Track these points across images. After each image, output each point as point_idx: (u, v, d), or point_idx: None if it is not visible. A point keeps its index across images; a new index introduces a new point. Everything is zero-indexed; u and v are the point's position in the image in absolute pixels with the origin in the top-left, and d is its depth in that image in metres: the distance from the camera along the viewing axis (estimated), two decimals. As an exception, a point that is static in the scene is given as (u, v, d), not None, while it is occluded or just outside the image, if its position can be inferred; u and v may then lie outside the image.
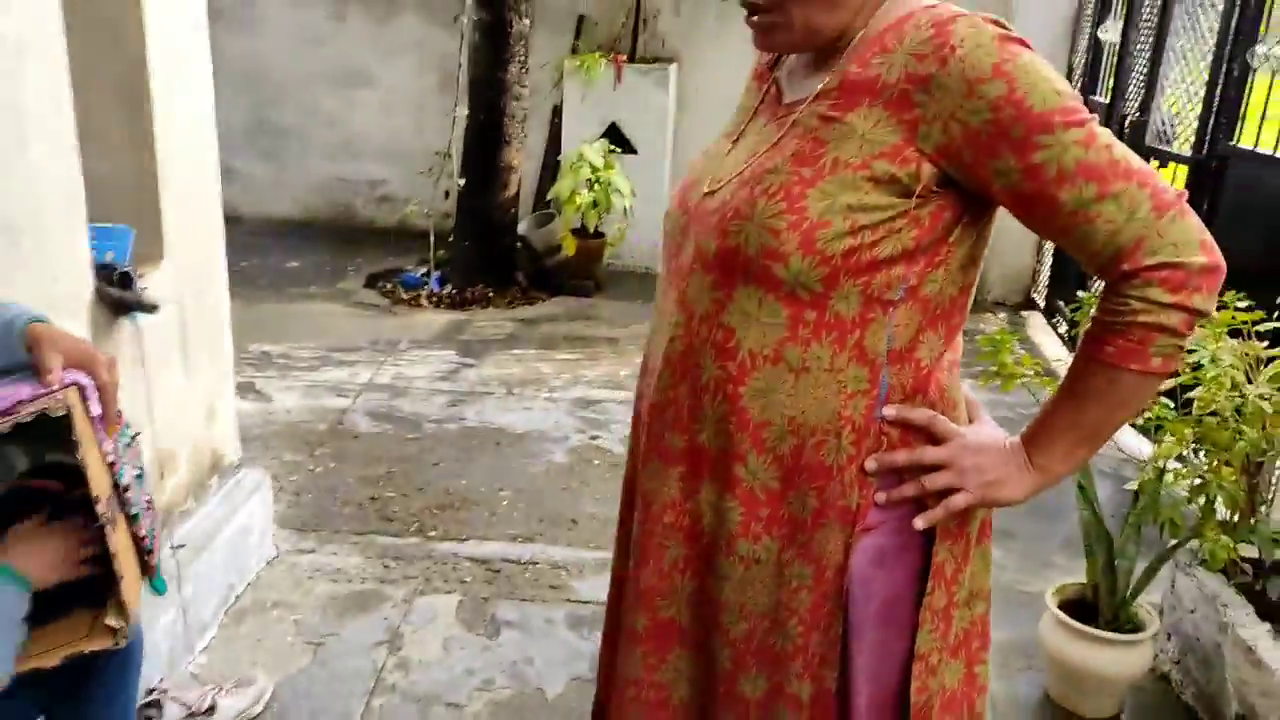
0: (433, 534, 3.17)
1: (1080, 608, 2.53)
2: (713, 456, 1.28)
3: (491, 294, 5.72)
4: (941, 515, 1.24)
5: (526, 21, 5.65)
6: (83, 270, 2.01)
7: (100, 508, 1.44)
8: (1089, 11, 5.63)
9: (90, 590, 1.54)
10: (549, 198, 6.02)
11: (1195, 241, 1.10)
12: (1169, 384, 2.43)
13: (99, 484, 1.44)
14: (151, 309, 2.13)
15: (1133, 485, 2.52)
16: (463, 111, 5.70)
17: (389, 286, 5.79)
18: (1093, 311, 1.18)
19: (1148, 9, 4.65)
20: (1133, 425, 3.95)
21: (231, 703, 2.23)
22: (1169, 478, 2.42)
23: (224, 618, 2.61)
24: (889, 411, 1.22)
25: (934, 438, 1.24)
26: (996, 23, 1.12)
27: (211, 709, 2.17)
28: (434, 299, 5.62)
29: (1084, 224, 1.11)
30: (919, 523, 1.24)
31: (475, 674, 2.50)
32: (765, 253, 1.18)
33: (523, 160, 5.95)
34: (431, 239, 5.82)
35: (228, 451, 2.74)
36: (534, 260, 5.95)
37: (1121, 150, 1.11)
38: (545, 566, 3.02)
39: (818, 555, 1.26)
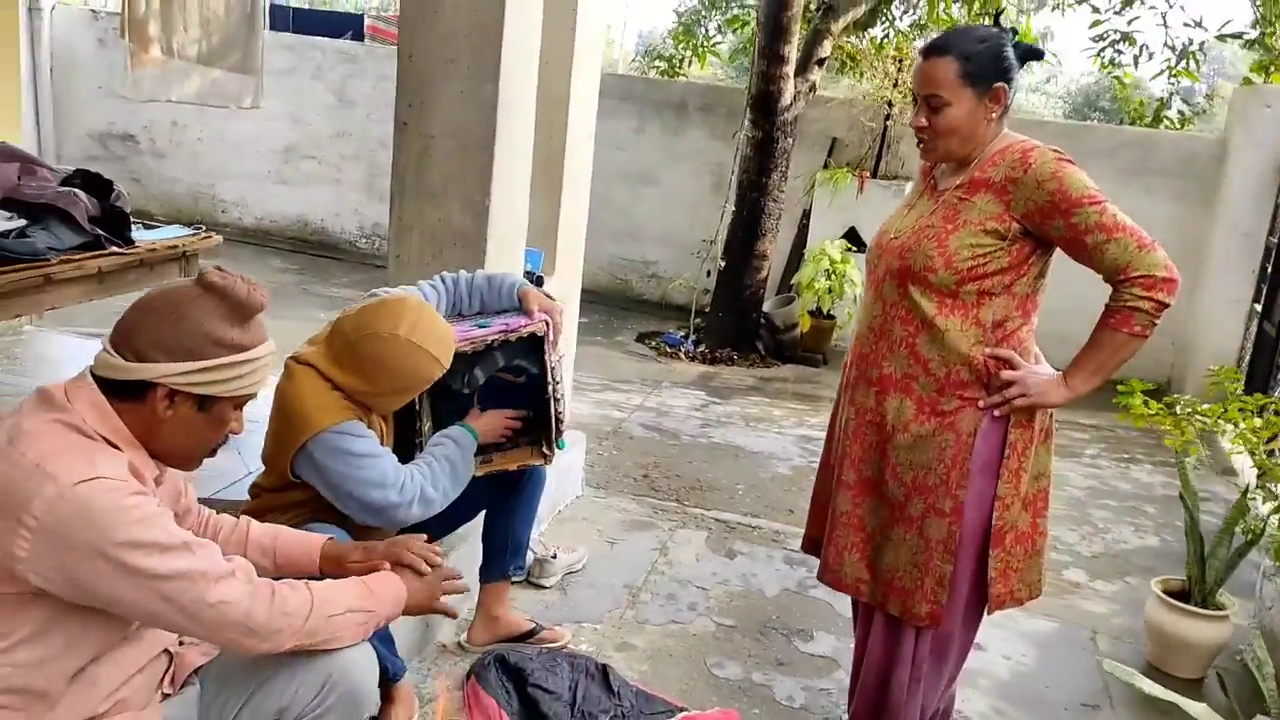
0: (687, 502, 4.32)
1: (1178, 596, 3.35)
2: (897, 380, 2.34)
3: (736, 357, 6.92)
4: (1008, 405, 2.24)
5: (790, 140, 6.95)
6: (519, 270, 3.33)
7: (551, 388, 2.68)
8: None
9: (531, 437, 2.79)
10: (792, 283, 7.21)
11: (1161, 265, 2.12)
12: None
13: (550, 376, 2.69)
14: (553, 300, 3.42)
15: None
16: (730, 208, 7.02)
17: (654, 342, 7.11)
18: (1106, 302, 2.20)
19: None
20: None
21: (565, 557, 3.43)
22: (1256, 501, 3.24)
23: (552, 520, 3.84)
24: (988, 350, 2.26)
25: (1013, 367, 2.27)
26: (1056, 151, 2.19)
27: (554, 556, 3.38)
28: (689, 355, 6.88)
29: (1100, 254, 2.15)
30: (992, 401, 2.25)
31: (717, 574, 3.60)
32: (925, 268, 2.26)
33: (773, 251, 7.19)
34: (692, 308, 7.14)
35: (564, 414, 4.00)
36: (773, 333, 7.12)
37: (1122, 217, 2.14)
38: (768, 531, 4.09)
39: (958, 430, 2.28)
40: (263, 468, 2.52)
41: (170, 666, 1.76)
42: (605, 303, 8.13)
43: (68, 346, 4.91)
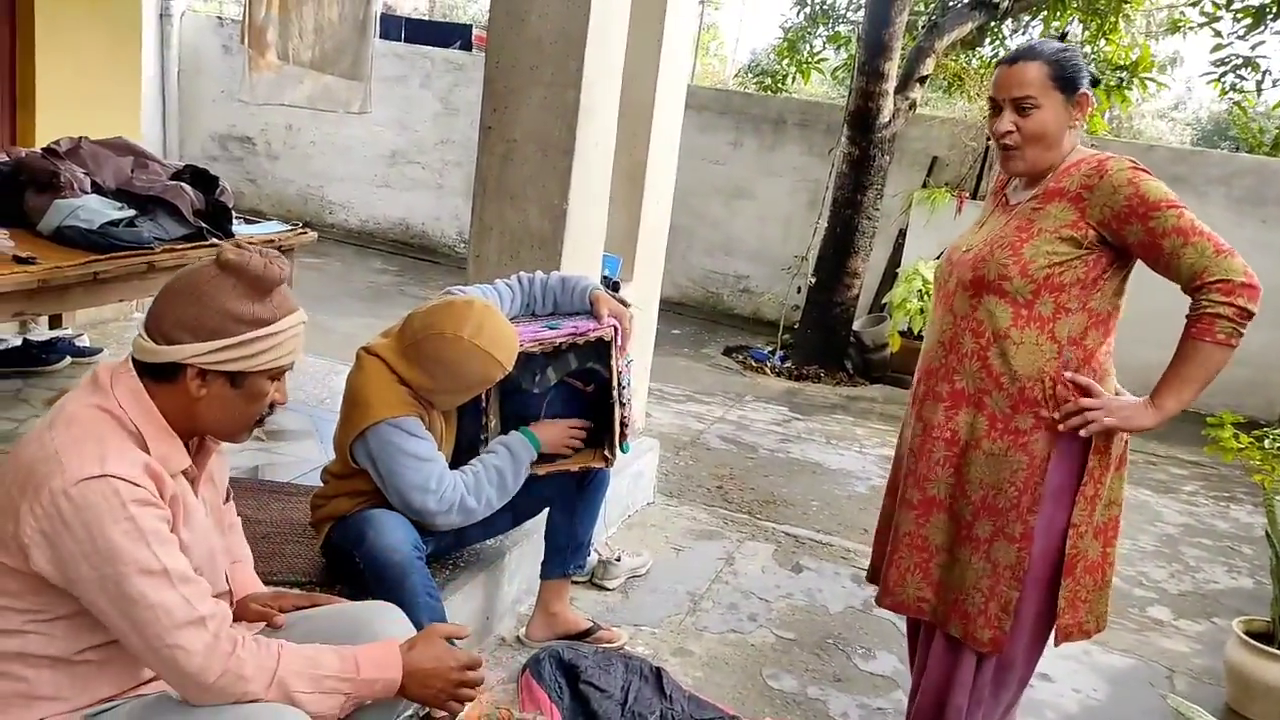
0: (759, 516, 4.31)
1: (1261, 638, 3.20)
2: (969, 395, 2.30)
3: (823, 374, 6.87)
4: (1095, 424, 2.18)
5: (887, 158, 6.88)
6: (596, 275, 3.39)
7: (615, 394, 2.72)
8: None
9: (594, 441, 2.82)
10: (884, 302, 7.13)
11: (1240, 270, 2.05)
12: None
13: (616, 381, 2.72)
14: (626, 306, 3.47)
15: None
16: (823, 225, 6.98)
17: (741, 357, 7.11)
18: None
19: None
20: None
21: (629, 560, 3.46)
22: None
23: (620, 525, 3.88)
24: (1068, 374, 2.21)
25: (1091, 393, 2.21)
26: (1132, 161, 2.14)
27: (618, 559, 3.41)
28: (775, 371, 6.86)
29: (1177, 260, 2.08)
30: (1071, 423, 2.19)
31: (781, 588, 3.59)
32: (1000, 276, 2.22)
33: (865, 270, 7.12)
34: (780, 324, 7.12)
35: (638, 420, 4.05)
36: (862, 352, 7.04)
37: (1200, 223, 2.07)
38: (838, 548, 4.05)
39: (1031, 453, 2.22)
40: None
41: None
42: (696, 316, 8.16)
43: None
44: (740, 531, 4.05)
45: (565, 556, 2.94)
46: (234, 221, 3.71)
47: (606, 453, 2.82)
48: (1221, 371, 2.13)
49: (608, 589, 3.38)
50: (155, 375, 1.60)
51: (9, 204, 3.39)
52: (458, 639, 1.88)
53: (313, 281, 7.57)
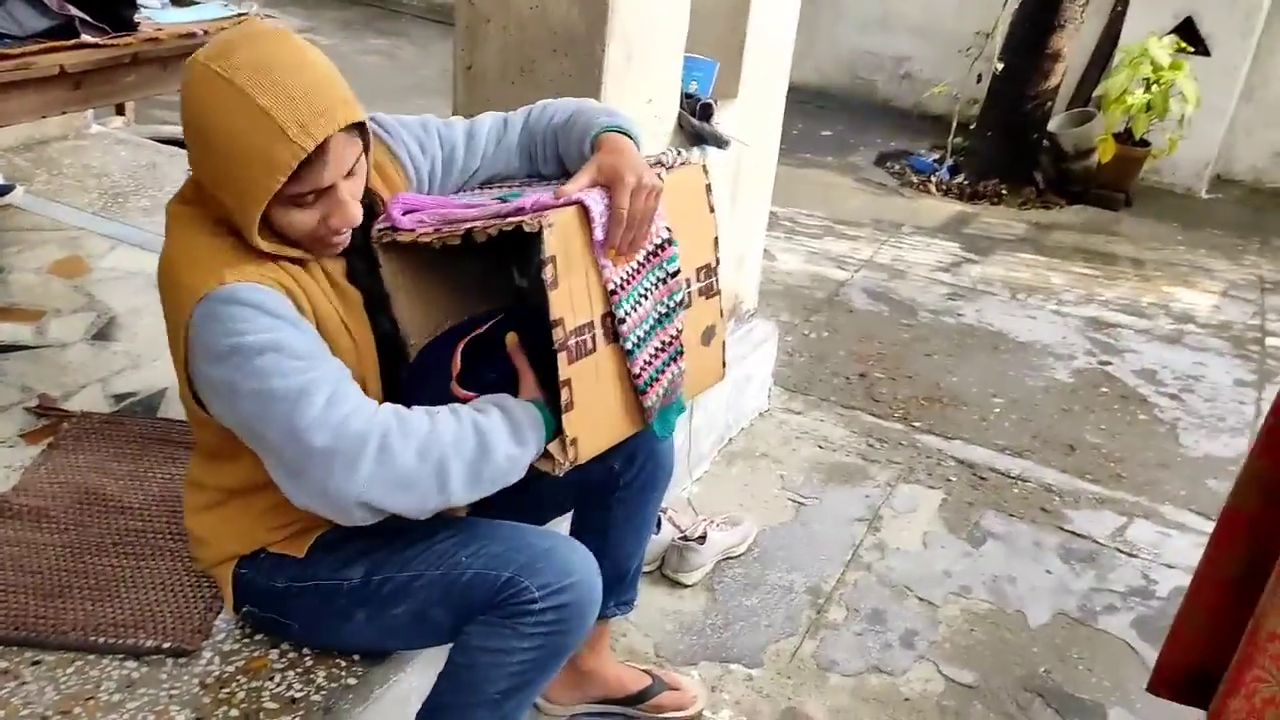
0: (918, 424, 3.06)
1: None
2: None
3: (1004, 191, 5.34)
4: None
5: (1115, -110, 5.02)
6: (672, 96, 2.06)
7: (557, 333, 1.31)
8: None
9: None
10: (1093, 94, 5.45)
11: None
12: None
13: (559, 307, 1.31)
14: (723, 144, 2.15)
15: None
16: (1017, -11, 5.24)
17: (898, 168, 5.61)
18: None
19: None
20: None
21: (720, 537, 2.30)
22: None
23: (717, 456, 2.71)
24: None
25: None
26: None
27: (702, 537, 2.26)
28: (943, 187, 5.36)
29: None
30: None
31: (953, 577, 2.38)
32: None
33: (1072, 50, 5.40)
34: (953, 124, 5.54)
35: (747, 300, 2.79)
36: (1059, 162, 5.45)
37: None
38: (1036, 487, 2.80)
39: None
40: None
41: None
42: (842, 109, 6.59)
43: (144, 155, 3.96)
44: (892, 462, 2.82)
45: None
46: (147, 6, 2.50)
47: (550, 446, 1.37)
48: None
49: (684, 585, 2.24)
50: None
51: None
52: None
53: (375, 70, 6.34)
